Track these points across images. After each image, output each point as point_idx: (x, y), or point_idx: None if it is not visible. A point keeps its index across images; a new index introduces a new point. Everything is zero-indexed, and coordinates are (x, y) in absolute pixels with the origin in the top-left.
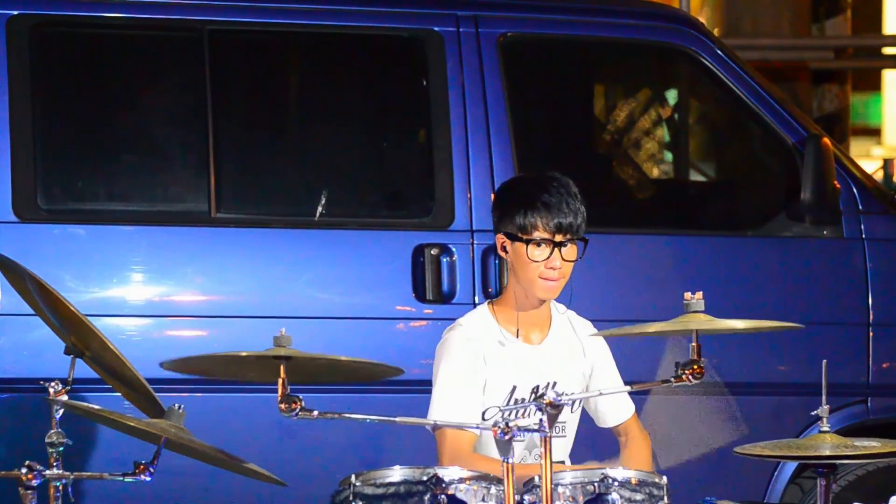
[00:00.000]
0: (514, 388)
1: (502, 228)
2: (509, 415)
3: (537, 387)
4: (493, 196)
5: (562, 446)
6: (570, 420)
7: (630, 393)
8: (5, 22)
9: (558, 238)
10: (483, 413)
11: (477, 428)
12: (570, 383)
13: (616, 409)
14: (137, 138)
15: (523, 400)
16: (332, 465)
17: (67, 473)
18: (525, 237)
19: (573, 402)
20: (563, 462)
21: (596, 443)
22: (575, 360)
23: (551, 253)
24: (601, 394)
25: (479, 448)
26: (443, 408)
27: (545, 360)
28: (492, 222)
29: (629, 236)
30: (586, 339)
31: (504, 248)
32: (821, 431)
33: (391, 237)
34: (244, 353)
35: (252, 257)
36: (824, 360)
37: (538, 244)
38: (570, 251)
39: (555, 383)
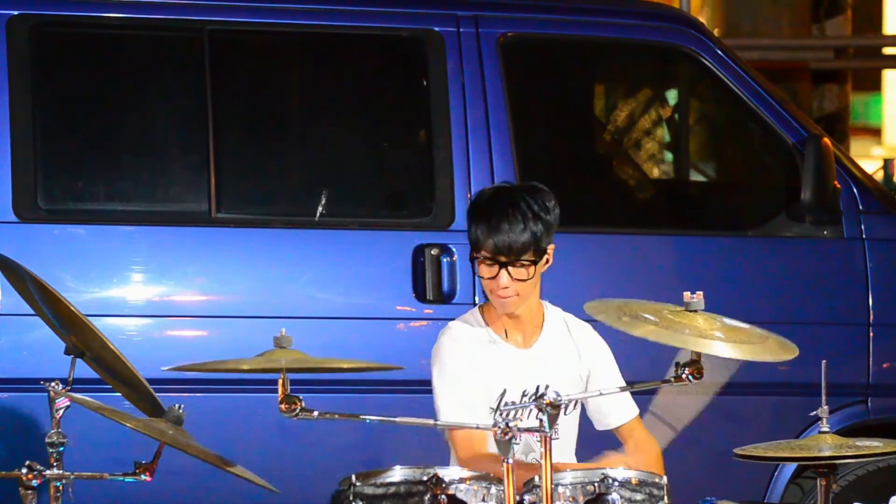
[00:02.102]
0: (504, 391)
1: None
2: (507, 416)
3: (533, 389)
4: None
5: (555, 449)
6: (563, 423)
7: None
8: (5, 22)
9: (501, 258)
10: None
11: (477, 428)
12: (563, 386)
13: (619, 409)
14: (137, 138)
15: (513, 403)
16: (332, 465)
17: (68, 473)
18: (475, 254)
19: (567, 405)
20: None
21: (599, 444)
22: (569, 362)
23: (498, 272)
24: (601, 393)
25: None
26: (449, 412)
27: (536, 363)
28: None
29: (629, 236)
30: (582, 341)
31: None
32: (821, 432)
33: (391, 237)
34: (245, 367)
35: (252, 257)
36: (824, 361)
37: (484, 262)
38: (520, 271)
39: (547, 386)
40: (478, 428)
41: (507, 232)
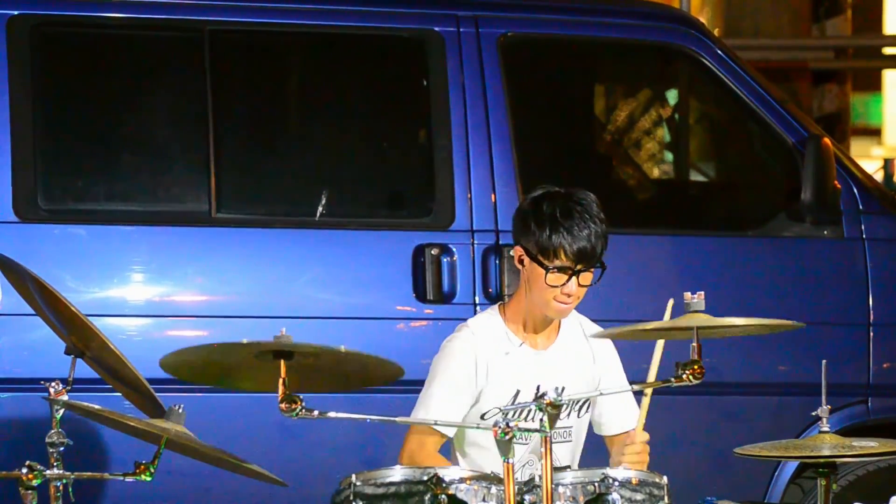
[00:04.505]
0: (518, 392)
1: (523, 243)
2: (511, 416)
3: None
4: (505, 203)
5: (567, 451)
6: (576, 425)
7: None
8: (5, 22)
9: (579, 266)
10: (483, 414)
11: (477, 428)
12: (577, 389)
13: (622, 416)
14: (137, 138)
15: (526, 403)
16: (333, 465)
17: (68, 473)
18: (546, 262)
19: (580, 408)
20: (568, 467)
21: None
22: (584, 365)
23: (568, 279)
24: (601, 393)
25: (477, 447)
26: (427, 410)
27: (551, 365)
28: (511, 229)
29: (629, 236)
30: (597, 345)
31: (521, 261)
32: (821, 432)
33: (391, 237)
34: (245, 341)
35: (252, 257)
36: (824, 361)
37: (554, 270)
38: (587, 277)
39: (563, 389)
40: (478, 428)
41: (587, 238)
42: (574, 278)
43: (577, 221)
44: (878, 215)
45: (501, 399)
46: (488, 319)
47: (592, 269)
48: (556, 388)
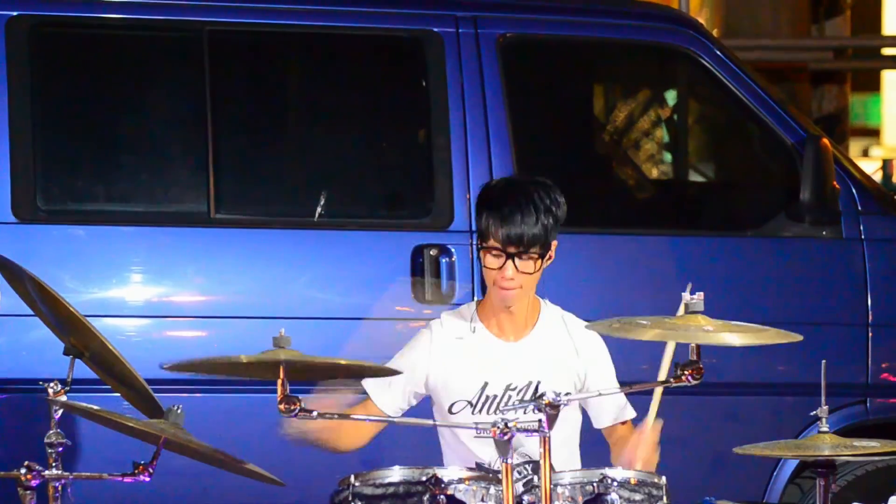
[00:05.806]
0: (486, 384)
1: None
2: (490, 410)
3: (518, 382)
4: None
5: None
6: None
7: (629, 394)
8: (5, 22)
9: (510, 249)
10: (451, 406)
11: (476, 427)
12: (555, 383)
13: (613, 409)
14: (137, 139)
15: (495, 396)
16: (332, 465)
17: (67, 474)
18: (482, 243)
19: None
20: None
21: (600, 445)
22: (563, 359)
23: (504, 263)
24: (600, 394)
25: (455, 438)
26: (375, 381)
27: (523, 358)
28: None
29: (629, 236)
30: (580, 339)
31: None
32: (820, 432)
33: (391, 237)
34: (244, 360)
35: (252, 257)
36: (823, 361)
37: (492, 252)
38: (527, 264)
39: (539, 382)
40: (477, 427)
41: (519, 223)
42: (510, 263)
43: (511, 205)
44: (876, 216)
45: (468, 391)
46: (462, 310)
47: (535, 258)
48: (533, 383)
